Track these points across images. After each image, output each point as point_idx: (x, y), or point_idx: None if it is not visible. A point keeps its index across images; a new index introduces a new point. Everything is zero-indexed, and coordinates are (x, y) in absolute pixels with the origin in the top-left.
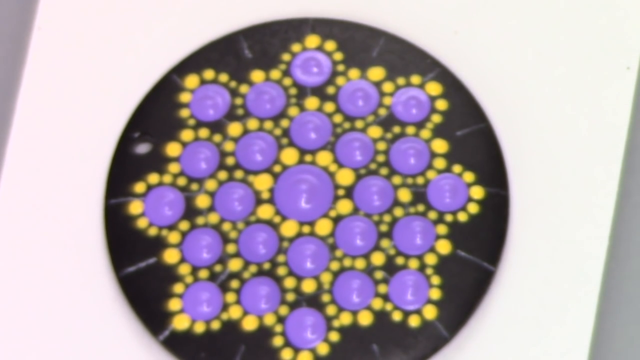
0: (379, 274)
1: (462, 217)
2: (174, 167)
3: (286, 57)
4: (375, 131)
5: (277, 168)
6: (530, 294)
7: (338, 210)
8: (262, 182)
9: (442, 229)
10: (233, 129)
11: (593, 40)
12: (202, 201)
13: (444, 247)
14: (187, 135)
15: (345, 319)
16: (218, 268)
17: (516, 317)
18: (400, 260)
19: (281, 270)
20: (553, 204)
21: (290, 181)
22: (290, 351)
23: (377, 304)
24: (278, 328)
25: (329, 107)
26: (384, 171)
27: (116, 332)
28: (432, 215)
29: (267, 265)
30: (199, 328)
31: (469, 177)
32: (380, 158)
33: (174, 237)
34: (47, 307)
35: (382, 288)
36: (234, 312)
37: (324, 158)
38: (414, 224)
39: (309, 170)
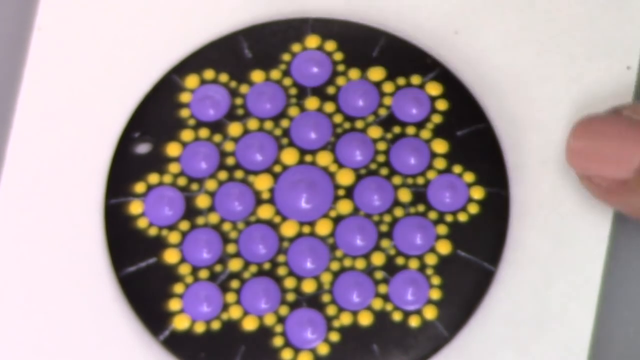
0: (379, 274)
1: (462, 217)
2: (174, 167)
3: (286, 57)
4: (375, 131)
5: (277, 168)
6: (530, 294)
7: (338, 210)
8: (262, 182)
9: (442, 229)
10: (233, 129)
11: (593, 40)
12: (202, 201)
13: (444, 247)
14: (187, 135)
15: (346, 319)
16: (218, 268)
17: (516, 317)
18: (400, 261)
19: (281, 271)
20: (553, 204)
21: (290, 181)
22: (291, 351)
23: (377, 304)
24: (278, 328)
25: (329, 107)
26: (384, 171)
27: (116, 332)
28: (432, 215)
29: (267, 266)
30: (199, 328)
31: (469, 177)
32: (381, 158)
33: (174, 237)
34: (46, 306)
35: (382, 288)
36: (234, 312)
37: (324, 158)
38: (414, 224)
39: (309, 171)
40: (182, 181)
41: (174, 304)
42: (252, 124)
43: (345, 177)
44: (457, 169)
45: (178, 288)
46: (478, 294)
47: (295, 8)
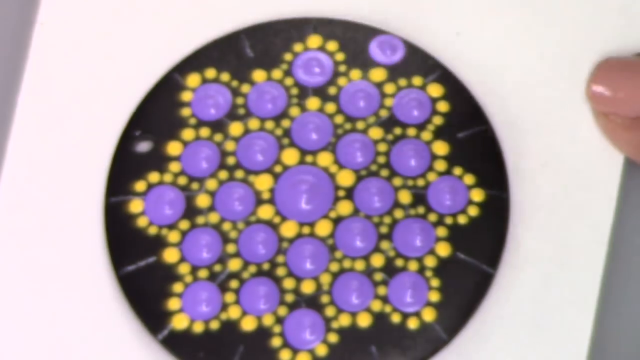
0: (378, 276)
1: (462, 219)
2: (174, 166)
3: (288, 56)
4: (376, 132)
5: (277, 168)
6: (529, 297)
7: (338, 211)
8: (263, 182)
9: (442, 231)
10: (234, 129)
11: (595, 43)
12: (202, 201)
13: (444, 249)
14: (188, 134)
15: (344, 320)
16: (218, 268)
17: (515, 320)
18: (399, 262)
19: (280, 271)
20: (553, 207)
21: (290, 182)
22: (289, 352)
23: (376, 305)
24: (277, 329)
25: (330, 107)
26: (384, 172)
27: (115, 330)
28: (432, 217)
29: (266, 266)
30: (198, 328)
31: (469, 179)
32: (381, 159)
33: (173, 237)
34: (46, 305)
35: (382, 290)
36: (233, 312)
37: (325, 159)
38: (413, 226)
39: (310, 171)
40: (182, 180)
41: (173, 304)
42: (253, 124)
43: (345, 178)
44: (457, 171)
45: (177, 287)
46: (477, 297)
47: (298, 8)
